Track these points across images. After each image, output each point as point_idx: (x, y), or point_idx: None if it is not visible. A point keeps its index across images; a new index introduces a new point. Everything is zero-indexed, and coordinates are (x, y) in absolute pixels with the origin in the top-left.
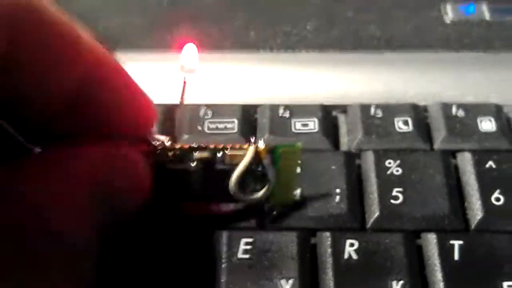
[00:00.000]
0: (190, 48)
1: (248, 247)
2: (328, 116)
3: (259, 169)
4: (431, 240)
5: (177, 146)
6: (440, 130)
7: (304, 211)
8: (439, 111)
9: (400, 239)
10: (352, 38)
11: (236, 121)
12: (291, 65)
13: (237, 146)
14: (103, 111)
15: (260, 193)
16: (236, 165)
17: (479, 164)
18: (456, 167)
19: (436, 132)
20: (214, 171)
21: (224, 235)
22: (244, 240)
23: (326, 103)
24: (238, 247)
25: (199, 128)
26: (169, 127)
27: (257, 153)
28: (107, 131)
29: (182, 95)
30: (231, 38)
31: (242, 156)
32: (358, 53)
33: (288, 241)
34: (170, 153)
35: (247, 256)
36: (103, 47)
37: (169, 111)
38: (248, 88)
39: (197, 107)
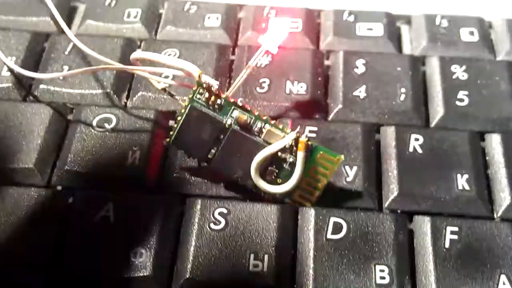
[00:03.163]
0: (283, 24)
1: (313, 135)
2: (393, 23)
3: (290, 160)
4: (496, 141)
5: (223, 95)
6: (505, 43)
7: (368, 108)
8: (503, 25)
9: (465, 137)
10: None
11: (300, 21)
12: None
13: (280, 126)
14: None
15: (279, 190)
16: (269, 144)
17: None
18: None
19: (501, 45)
20: (245, 138)
21: (289, 123)
22: (308, 128)
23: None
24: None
25: (263, 25)
26: (233, 24)
27: (294, 142)
28: None
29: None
30: None
31: (279, 138)
32: None
33: (352, 132)
34: (212, 98)
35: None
36: None
37: (234, 10)
38: None
39: (261, 7)
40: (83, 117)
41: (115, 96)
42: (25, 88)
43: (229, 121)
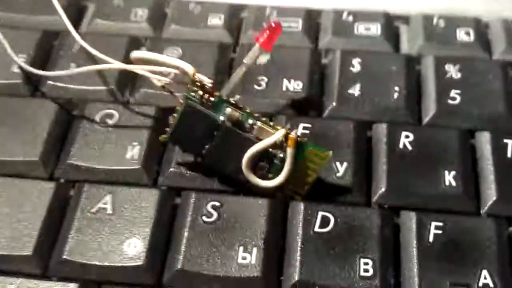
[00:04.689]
0: (277, 25)
1: (306, 131)
2: (391, 23)
3: (280, 155)
4: (485, 139)
5: (216, 93)
6: (500, 43)
7: (361, 105)
8: (500, 26)
9: (455, 134)
10: None
11: (300, 21)
12: None
13: (271, 123)
14: None
15: (269, 184)
16: (260, 140)
17: None
18: None
19: (496, 44)
20: (237, 134)
21: (284, 120)
22: (302, 125)
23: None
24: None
25: (263, 24)
26: (235, 24)
27: (284, 139)
28: None
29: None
30: None
31: (270, 134)
32: None
33: (344, 129)
34: (206, 96)
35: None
36: None
37: (236, 10)
38: None
39: (263, 7)
40: (87, 113)
41: (119, 92)
42: (33, 84)
43: (222, 118)
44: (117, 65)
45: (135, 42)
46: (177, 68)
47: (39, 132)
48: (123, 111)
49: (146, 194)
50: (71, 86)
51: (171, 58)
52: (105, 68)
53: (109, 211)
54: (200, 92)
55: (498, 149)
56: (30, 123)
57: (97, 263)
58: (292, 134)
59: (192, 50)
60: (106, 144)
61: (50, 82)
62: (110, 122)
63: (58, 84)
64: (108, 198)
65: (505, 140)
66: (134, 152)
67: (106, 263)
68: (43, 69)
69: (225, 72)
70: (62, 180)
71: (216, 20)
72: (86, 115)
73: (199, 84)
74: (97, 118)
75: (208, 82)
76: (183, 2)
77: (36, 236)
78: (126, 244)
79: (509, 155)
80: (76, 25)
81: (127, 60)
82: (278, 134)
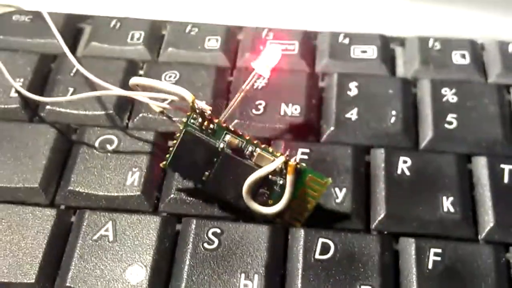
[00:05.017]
0: (275, 50)
1: (305, 157)
2: (387, 45)
3: (280, 182)
4: (482, 163)
5: (215, 120)
6: (496, 65)
7: (359, 130)
8: (495, 48)
9: (452, 159)
10: None
11: (297, 43)
12: None
13: (270, 149)
14: None
15: (270, 211)
16: (260, 167)
17: None
18: (509, 101)
19: (492, 67)
20: (236, 161)
21: (282, 145)
22: (301, 150)
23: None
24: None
25: (261, 47)
26: (232, 46)
27: (284, 166)
28: None
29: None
30: None
31: (270, 161)
32: None
33: (343, 154)
34: (205, 123)
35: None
36: None
37: (233, 33)
38: (309, 16)
39: (260, 30)
40: (86, 138)
41: (117, 117)
42: (31, 109)
43: (221, 145)
44: (116, 91)
45: (133, 66)
46: (176, 95)
47: (38, 158)
48: (122, 137)
49: (147, 221)
50: (70, 111)
51: (170, 84)
52: (103, 94)
53: (111, 238)
54: (200, 119)
55: (495, 174)
56: (29, 148)
57: None
58: (292, 162)
59: (190, 73)
60: (106, 170)
61: (49, 107)
62: (109, 147)
63: (57, 109)
64: (109, 225)
65: (501, 166)
66: (134, 178)
67: None
68: (41, 93)
69: (222, 95)
70: (62, 207)
71: (213, 43)
72: (85, 141)
73: (198, 110)
74: (97, 143)
75: (207, 109)
76: (180, 24)
77: (38, 264)
78: (128, 272)
79: (506, 180)
80: (73, 48)
81: (125, 84)
82: (277, 162)
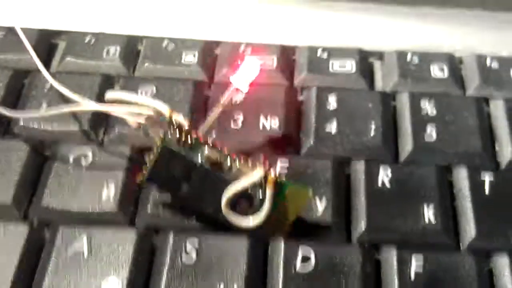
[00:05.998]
0: (253, 64)
1: (284, 170)
2: (365, 59)
3: (259, 195)
4: (462, 175)
5: (194, 135)
6: (474, 78)
7: (339, 143)
8: (473, 61)
9: (433, 171)
10: None
11: (275, 57)
12: (331, 11)
13: (249, 163)
14: None
15: (249, 224)
16: (239, 181)
17: (510, 111)
18: (488, 113)
19: (470, 80)
20: (215, 176)
21: (261, 159)
22: (280, 164)
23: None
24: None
25: (239, 62)
26: (210, 61)
27: (263, 179)
28: None
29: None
30: None
31: (249, 175)
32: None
33: (322, 167)
34: (183, 138)
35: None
36: None
37: (211, 47)
38: (287, 30)
39: (238, 44)
40: (60, 154)
41: (92, 132)
42: (4, 125)
43: (199, 160)
44: (91, 106)
45: (108, 81)
46: (153, 108)
47: (11, 174)
48: (97, 152)
49: (123, 235)
50: (43, 127)
51: (147, 98)
52: (77, 109)
53: (86, 253)
54: (177, 134)
55: (476, 185)
56: (2, 165)
57: None
58: (271, 175)
59: (167, 88)
60: (81, 185)
61: (22, 123)
62: (84, 163)
63: (30, 125)
64: (84, 240)
65: (482, 177)
66: (109, 194)
67: None
68: (14, 108)
69: (200, 110)
70: (35, 223)
71: (190, 57)
72: (59, 156)
73: (175, 124)
74: (71, 159)
75: (184, 123)
76: (156, 39)
77: (10, 280)
78: (103, 287)
79: (486, 191)
80: (47, 63)
81: (101, 99)
82: (256, 175)
